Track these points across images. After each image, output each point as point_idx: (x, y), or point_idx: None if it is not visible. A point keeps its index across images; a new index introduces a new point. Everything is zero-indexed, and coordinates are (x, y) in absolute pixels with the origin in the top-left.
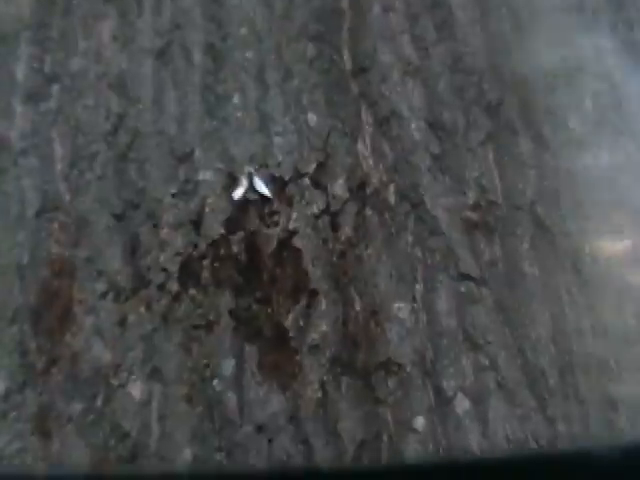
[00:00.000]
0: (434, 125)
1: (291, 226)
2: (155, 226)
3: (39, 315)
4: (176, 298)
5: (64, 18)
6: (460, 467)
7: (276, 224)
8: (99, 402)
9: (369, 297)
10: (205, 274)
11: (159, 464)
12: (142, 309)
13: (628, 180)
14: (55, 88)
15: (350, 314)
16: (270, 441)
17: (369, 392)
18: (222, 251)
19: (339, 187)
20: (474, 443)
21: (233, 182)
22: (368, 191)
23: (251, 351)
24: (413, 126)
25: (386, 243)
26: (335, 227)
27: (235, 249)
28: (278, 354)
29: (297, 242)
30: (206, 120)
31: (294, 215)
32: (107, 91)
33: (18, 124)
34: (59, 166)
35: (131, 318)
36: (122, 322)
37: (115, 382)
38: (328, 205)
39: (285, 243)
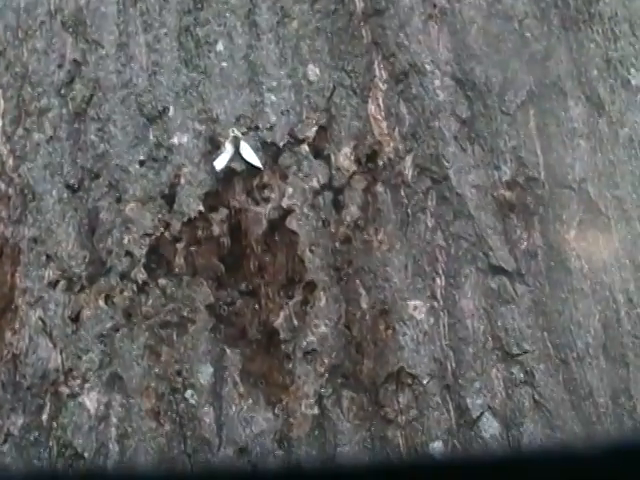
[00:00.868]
0: (463, 83)
1: (285, 204)
2: (118, 200)
3: None
4: (142, 289)
5: None
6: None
7: (267, 201)
8: (45, 415)
9: (378, 293)
10: (179, 260)
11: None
12: (100, 302)
13: None
14: None
15: (354, 313)
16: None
17: (376, 409)
18: (200, 232)
19: (344, 157)
20: None
21: (215, 148)
22: (380, 163)
23: (233, 356)
24: (437, 83)
25: (401, 227)
26: (339, 206)
27: (216, 230)
28: (266, 360)
29: (292, 223)
30: (183, 71)
31: (289, 190)
32: (61, 32)
33: None
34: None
35: (87, 313)
36: (75, 318)
37: (65, 391)
38: (331, 179)
39: (277, 224)
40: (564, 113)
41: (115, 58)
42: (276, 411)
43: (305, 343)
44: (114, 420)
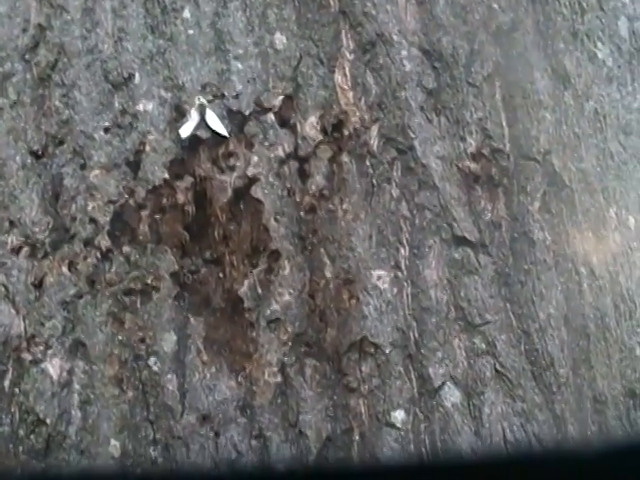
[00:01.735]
0: (430, 53)
1: (250, 172)
2: (83, 167)
3: None
4: (106, 257)
5: None
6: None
7: (232, 169)
8: (7, 382)
9: (342, 262)
10: (143, 228)
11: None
12: (64, 269)
13: None
14: None
15: (319, 282)
16: (217, 434)
17: (339, 378)
18: (165, 200)
19: (310, 126)
20: (465, 443)
21: (180, 115)
22: (346, 132)
23: (197, 324)
24: (404, 54)
25: (365, 197)
26: (304, 175)
27: (181, 198)
28: (229, 328)
29: (257, 192)
30: (149, 38)
31: (254, 159)
32: None
33: None
34: None
35: (50, 280)
36: (38, 284)
37: (28, 357)
38: (296, 148)
39: (242, 193)
40: (530, 85)
41: (80, 23)
42: (239, 379)
43: (269, 312)
44: (77, 387)
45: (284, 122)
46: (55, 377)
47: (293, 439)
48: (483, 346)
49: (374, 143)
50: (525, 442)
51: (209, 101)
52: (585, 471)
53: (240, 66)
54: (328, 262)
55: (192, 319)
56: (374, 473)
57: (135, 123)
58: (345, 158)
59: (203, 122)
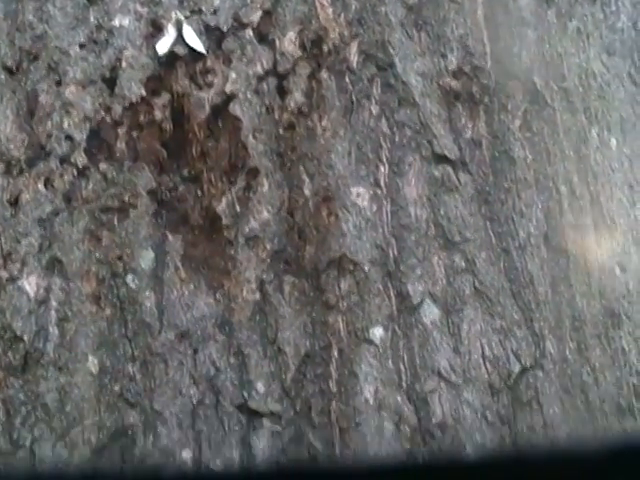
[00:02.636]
0: None
1: (228, 89)
2: (58, 83)
3: None
4: (83, 174)
5: None
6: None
7: (210, 86)
8: None
9: (322, 179)
10: (120, 145)
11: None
12: (40, 186)
13: None
14: None
15: (297, 199)
16: (195, 351)
17: (317, 295)
18: (142, 117)
19: (289, 42)
20: (443, 360)
21: (157, 31)
22: (325, 48)
23: (175, 241)
24: None
25: (345, 114)
26: (283, 92)
27: (158, 115)
28: (208, 246)
29: (235, 109)
30: None
31: (232, 75)
32: None
33: None
34: None
35: (25, 197)
36: (14, 201)
37: (4, 275)
38: (275, 64)
39: (220, 109)
40: (512, 2)
41: None
42: (217, 296)
43: (247, 229)
44: (54, 304)
45: (262, 38)
46: (32, 294)
47: (271, 356)
48: (462, 264)
49: (354, 59)
50: (502, 358)
51: (186, 17)
52: (584, 471)
53: None
54: (307, 179)
55: (170, 236)
56: (371, 473)
57: (111, 39)
58: (324, 75)
59: (180, 38)
